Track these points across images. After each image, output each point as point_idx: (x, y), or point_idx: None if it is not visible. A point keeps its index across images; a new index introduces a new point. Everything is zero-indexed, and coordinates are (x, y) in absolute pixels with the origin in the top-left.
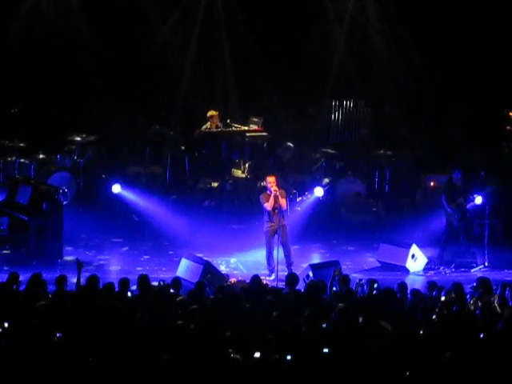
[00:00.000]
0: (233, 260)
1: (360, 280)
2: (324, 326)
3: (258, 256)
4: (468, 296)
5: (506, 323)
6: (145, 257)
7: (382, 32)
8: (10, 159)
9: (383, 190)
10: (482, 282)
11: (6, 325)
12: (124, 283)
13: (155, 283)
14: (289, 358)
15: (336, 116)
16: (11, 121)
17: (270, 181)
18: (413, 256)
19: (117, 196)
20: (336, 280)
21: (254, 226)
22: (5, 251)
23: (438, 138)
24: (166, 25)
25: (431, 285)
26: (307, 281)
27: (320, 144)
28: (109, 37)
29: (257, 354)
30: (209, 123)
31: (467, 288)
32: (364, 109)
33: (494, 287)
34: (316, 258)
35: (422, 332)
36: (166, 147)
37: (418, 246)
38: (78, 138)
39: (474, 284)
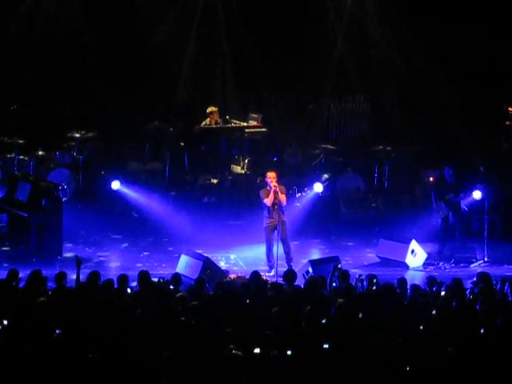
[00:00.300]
0: (232, 256)
1: (360, 275)
2: (324, 321)
3: (258, 252)
4: (468, 291)
5: (505, 318)
6: (144, 253)
7: (380, 27)
8: (9, 156)
9: (382, 186)
10: (483, 277)
11: (6, 322)
12: (123, 279)
13: (155, 279)
14: (289, 353)
15: (335, 112)
16: (10, 118)
17: (270, 176)
18: (412, 251)
19: (116, 192)
20: (336, 276)
21: (254, 222)
22: (4, 248)
23: (437, 133)
24: (166, 22)
25: (431, 280)
26: (307, 276)
27: (319, 140)
28: (108, 34)
29: (257, 350)
30: (208, 119)
31: (467, 283)
32: (363, 104)
33: (494, 282)
34: (316, 254)
35: (421, 327)
36: (166, 144)
37: (417, 241)
38: (78, 135)
39: (474, 279)
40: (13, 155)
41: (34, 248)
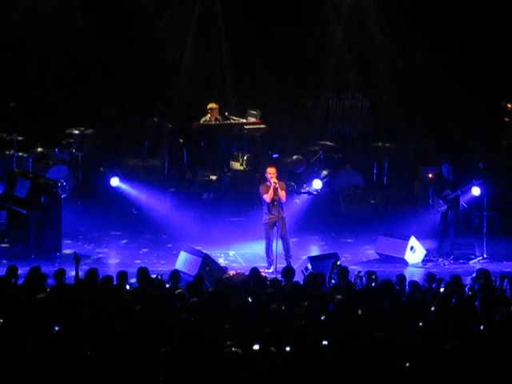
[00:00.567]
0: (231, 252)
1: (359, 272)
2: (323, 318)
3: (257, 248)
4: (467, 287)
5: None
6: (143, 250)
7: (379, 23)
8: (8, 153)
9: (382, 182)
10: (482, 273)
11: (5, 318)
12: (122, 276)
13: (154, 276)
14: (288, 350)
15: (334, 108)
16: (9, 114)
17: (270, 172)
18: (411, 248)
19: (115, 189)
20: (335, 272)
21: (253, 218)
22: (3, 245)
23: (436, 129)
24: (165, 18)
25: (430, 277)
26: (306, 273)
27: (318, 136)
28: (107, 31)
29: (256, 347)
30: (208, 116)
31: (466, 280)
32: (362, 101)
33: (493, 278)
34: (315, 251)
35: (421, 324)
36: (165, 140)
37: (416, 237)
38: (77, 132)
39: (474, 275)
40: (12, 152)
41: (34, 245)
